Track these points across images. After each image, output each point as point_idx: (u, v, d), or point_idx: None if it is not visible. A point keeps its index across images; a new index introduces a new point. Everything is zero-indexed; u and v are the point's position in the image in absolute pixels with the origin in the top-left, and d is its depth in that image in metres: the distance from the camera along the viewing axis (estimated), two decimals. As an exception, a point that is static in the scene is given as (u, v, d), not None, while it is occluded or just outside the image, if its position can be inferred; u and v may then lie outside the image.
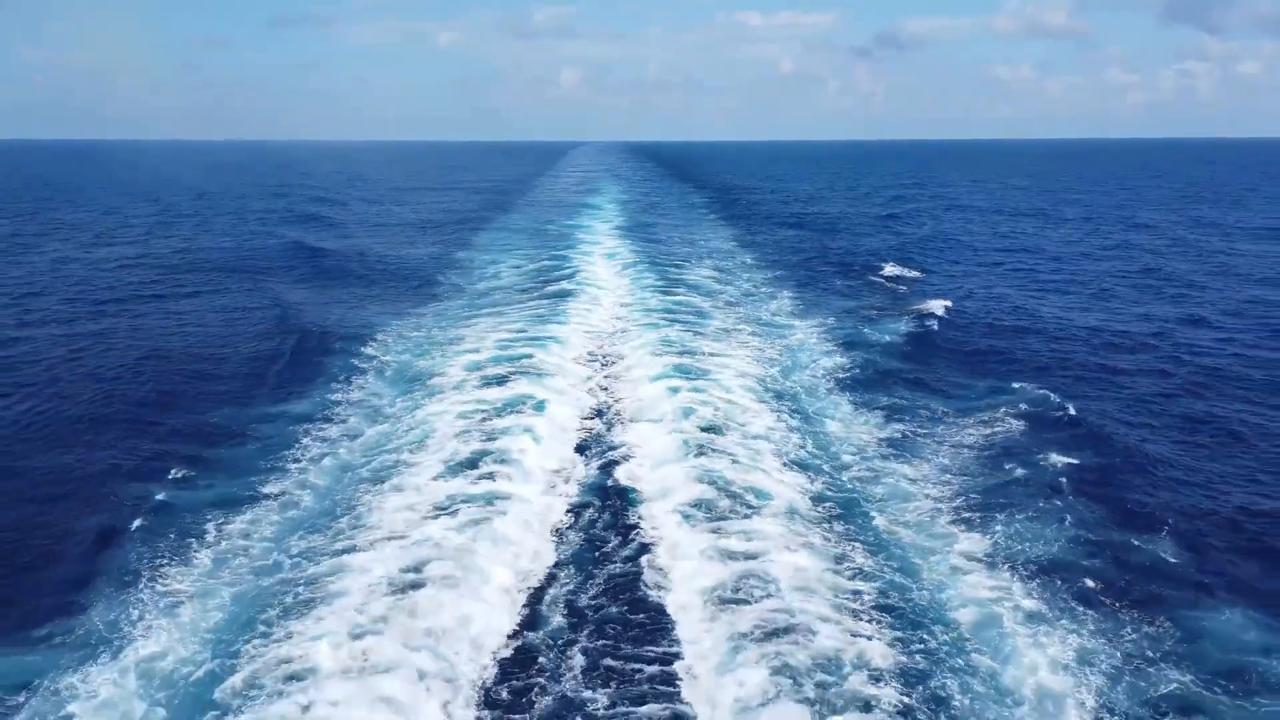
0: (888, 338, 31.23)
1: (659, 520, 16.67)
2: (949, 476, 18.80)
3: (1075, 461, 19.08)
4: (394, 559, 14.99)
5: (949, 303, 36.94)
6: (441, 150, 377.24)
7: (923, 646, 12.68)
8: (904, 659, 12.31)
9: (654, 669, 12.43)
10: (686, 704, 11.70)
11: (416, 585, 14.20)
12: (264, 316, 35.18)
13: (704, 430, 20.76)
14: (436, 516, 16.61)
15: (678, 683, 12.12)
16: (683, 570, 14.87)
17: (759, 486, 17.92)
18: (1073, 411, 22.36)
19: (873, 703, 11.39)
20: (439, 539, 15.61)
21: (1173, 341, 30.96)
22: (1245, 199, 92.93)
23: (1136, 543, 15.62)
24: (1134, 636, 12.78)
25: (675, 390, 23.55)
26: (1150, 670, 12.04)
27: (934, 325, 33.13)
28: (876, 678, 11.87)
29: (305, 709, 11.37)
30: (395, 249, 55.27)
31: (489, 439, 20.25)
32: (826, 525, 16.48)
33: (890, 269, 47.03)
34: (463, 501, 17.18)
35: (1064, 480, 18.18)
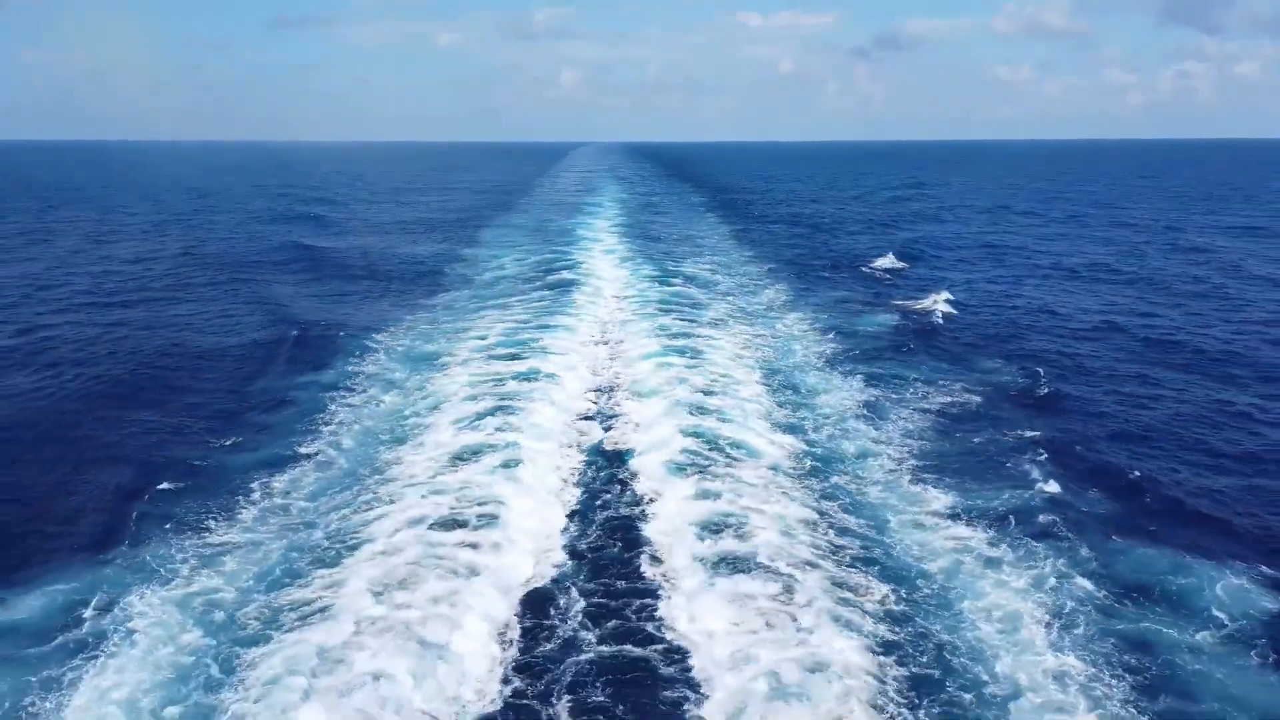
0: (875, 326, 33.10)
1: (653, 473, 18.55)
2: (920, 441, 20.75)
3: (1037, 433, 21.00)
4: (423, 507, 16.80)
5: (938, 295, 38.62)
6: (441, 151, 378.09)
7: (899, 586, 14.41)
8: (882, 595, 14.04)
9: (643, 600, 14.12)
10: (669, 638, 13.17)
11: (445, 529, 15.97)
12: (275, 308, 36.71)
13: (697, 393, 22.95)
14: (457, 468, 18.53)
15: (662, 618, 13.66)
16: (671, 517, 16.67)
17: (745, 443, 19.90)
18: (1034, 385, 24.86)
19: (851, 634, 12.91)
20: (464, 489, 17.47)
21: (1134, 325, 33.40)
22: (1229, 199, 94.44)
23: (1077, 495, 17.70)
24: (1073, 567, 14.85)
25: (670, 365, 25.57)
26: (1086, 590, 14.21)
27: (921, 315, 35.10)
28: (855, 613, 13.47)
29: (343, 643, 12.74)
30: (399, 247, 56.39)
31: (504, 404, 22.23)
32: (807, 479, 18.37)
33: (883, 263, 48.72)
34: (485, 452, 19.23)
35: (1022, 443, 20.37)
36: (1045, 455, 19.46)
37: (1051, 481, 18.11)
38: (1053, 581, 14.36)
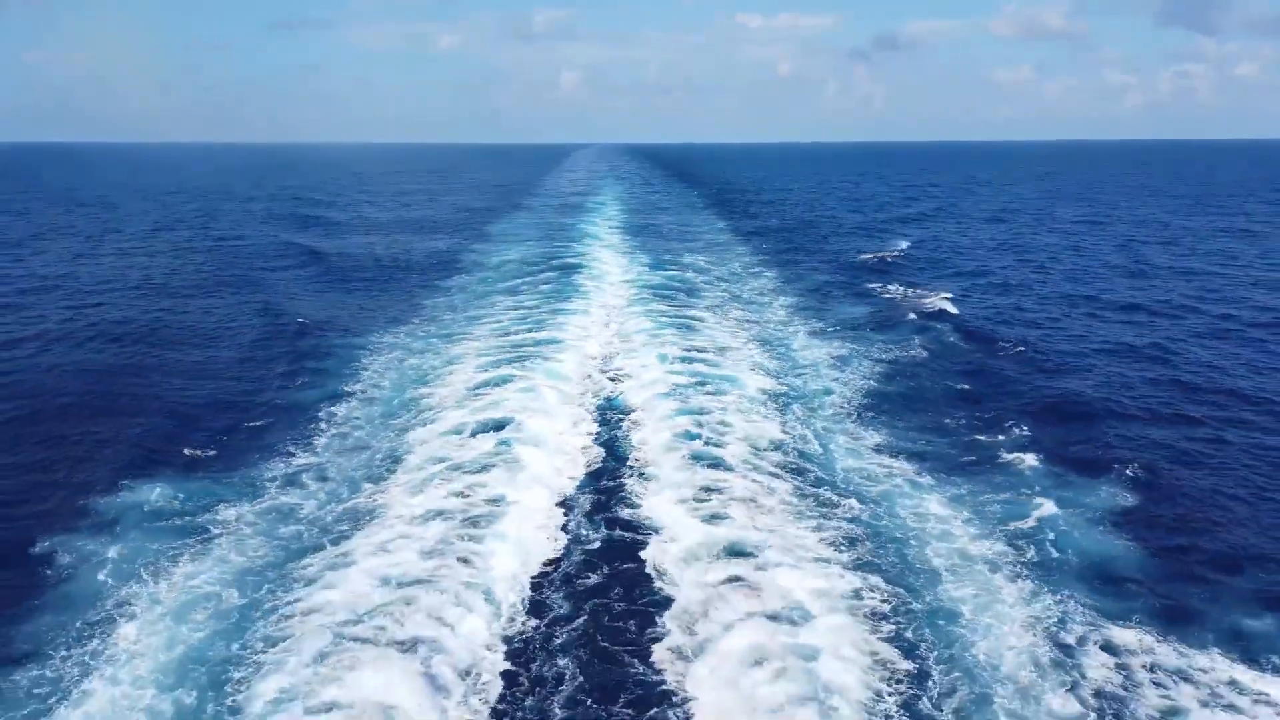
0: (858, 310, 36.20)
1: (645, 402, 22.37)
2: (867, 382, 25.21)
3: (966, 386, 25.18)
4: (455, 423, 20.44)
5: (929, 289, 41.48)
6: (441, 153, 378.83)
7: (849, 494, 17.82)
8: (836, 501, 17.37)
9: (630, 498, 17.58)
10: (649, 529, 16.22)
11: (474, 435, 19.66)
12: (294, 298, 38.75)
13: (688, 348, 27.22)
14: (481, 399, 22.26)
15: (648, 515, 16.76)
16: (655, 431, 20.42)
17: (730, 376, 24.32)
18: (974, 341, 29.79)
19: (807, 529, 16.15)
20: (488, 412, 21.15)
21: (1072, 290, 39.20)
22: (1202, 199, 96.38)
23: (991, 433, 21.56)
24: (979, 486, 18.42)
25: (664, 332, 29.54)
26: (990, 500, 17.73)
27: (905, 302, 38.12)
28: (813, 517, 16.67)
29: (398, 535, 15.70)
30: (406, 245, 57.38)
31: (518, 356, 26.22)
32: (778, 411, 22.28)
33: (876, 258, 51.14)
34: (504, 386, 23.11)
35: (950, 386, 25.17)
36: (973, 400, 23.91)
37: (973, 419, 22.37)
38: (969, 498, 17.78)
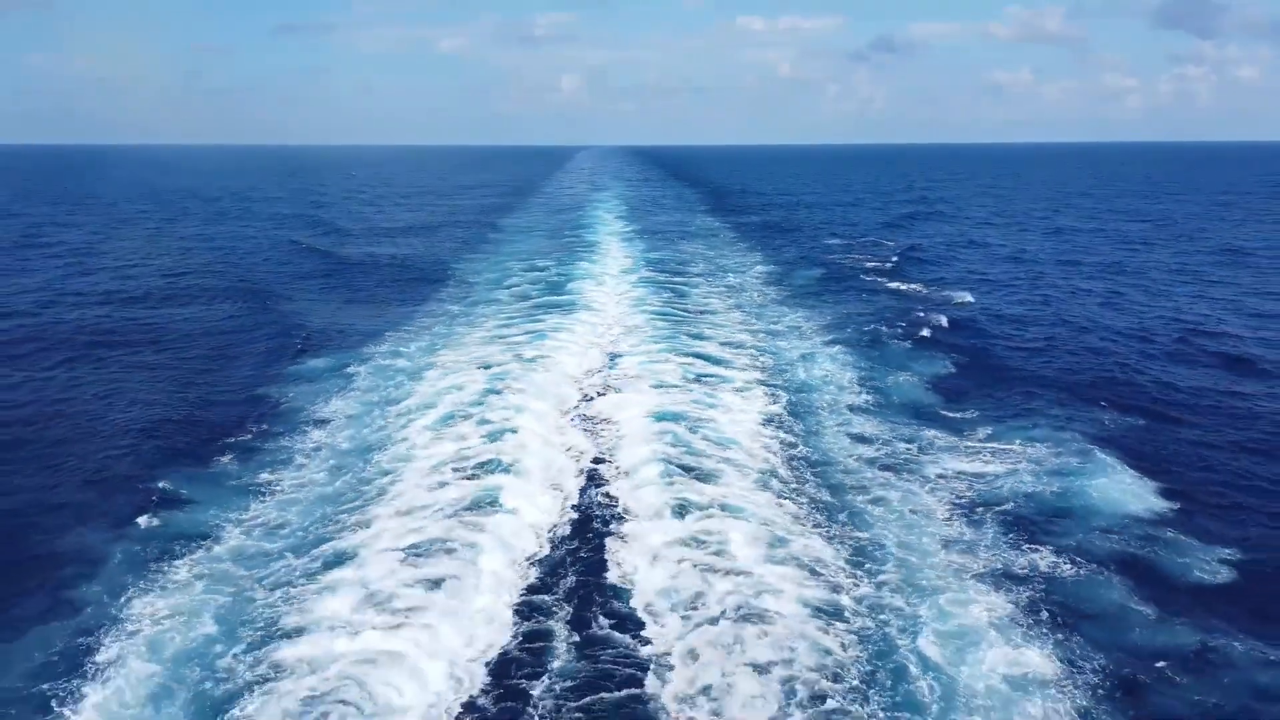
0: (813, 272, 42.03)
1: (635, 359, 26.31)
2: (825, 319, 31.65)
3: (891, 318, 31.72)
4: (469, 404, 21.89)
5: (892, 266, 45.35)
6: (444, 155, 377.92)
7: (804, 417, 21.76)
8: (791, 438, 20.51)
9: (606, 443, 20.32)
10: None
11: (483, 422, 20.57)
12: (301, 293, 39.87)
13: (680, 309, 32.39)
14: (489, 364, 25.60)
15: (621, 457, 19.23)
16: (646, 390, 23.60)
17: (715, 350, 28.00)
18: (949, 318, 32.88)
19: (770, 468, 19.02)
20: (502, 384, 23.60)
21: (1046, 270, 43.81)
22: (1182, 200, 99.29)
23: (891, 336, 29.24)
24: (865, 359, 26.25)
25: (654, 302, 33.99)
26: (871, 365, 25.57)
27: (867, 275, 42.39)
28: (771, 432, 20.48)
29: (422, 505, 16.20)
30: (410, 243, 58.17)
31: (536, 339, 28.95)
32: (752, 357, 26.86)
33: (854, 242, 54.53)
34: (520, 355, 26.30)
35: (884, 322, 31.41)
36: (888, 323, 31.18)
37: (882, 331, 29.99)
38: (923, 432, 21.25)
